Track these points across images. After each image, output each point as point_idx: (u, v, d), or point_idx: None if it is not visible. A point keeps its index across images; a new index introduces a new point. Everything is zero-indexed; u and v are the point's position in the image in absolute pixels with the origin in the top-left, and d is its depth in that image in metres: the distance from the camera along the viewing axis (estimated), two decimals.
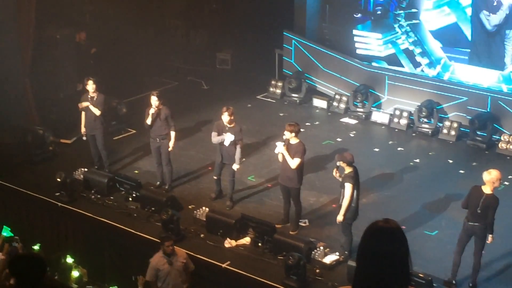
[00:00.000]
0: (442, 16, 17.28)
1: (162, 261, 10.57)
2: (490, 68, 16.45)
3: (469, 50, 16.81)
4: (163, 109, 13.36)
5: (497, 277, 11.10)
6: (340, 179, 11.20)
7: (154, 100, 13.23)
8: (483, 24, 16.33)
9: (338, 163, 11.23)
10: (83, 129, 14.24)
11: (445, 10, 17.25)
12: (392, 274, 3.08)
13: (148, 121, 13.30)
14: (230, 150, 12.83)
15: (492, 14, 16.14)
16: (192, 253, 11.61)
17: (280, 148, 11.92)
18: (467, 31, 16.72)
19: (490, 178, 10.38)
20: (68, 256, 12.49)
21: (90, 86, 13.89)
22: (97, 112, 13.89)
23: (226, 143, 12.71)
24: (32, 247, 12.31)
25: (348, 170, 11.14)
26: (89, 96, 13.95)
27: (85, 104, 13.91)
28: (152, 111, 13.23)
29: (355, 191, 11.10)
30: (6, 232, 11.31)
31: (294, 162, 11.89)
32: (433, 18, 17.29)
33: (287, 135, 11.94)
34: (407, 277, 3.18)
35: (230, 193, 13.20)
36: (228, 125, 12.80)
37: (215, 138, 12.87)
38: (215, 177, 13.33)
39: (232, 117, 12.79)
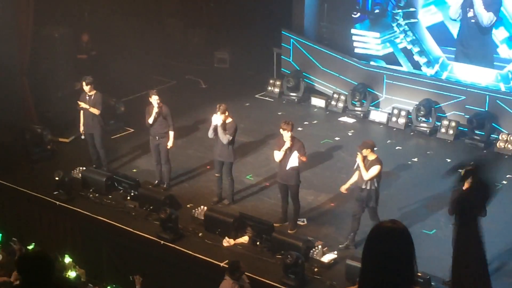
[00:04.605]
0: (429, 15, 17.36)
1: (235, 287, 9.90)
2: (478, 65, 16.51)
3: (455, 49, 16.94)
4: (163, 107, 13.37)
5: (495, 274, 11.08)
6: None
7: (155, 99, 13.25)
8: (473, 22, 16.37)
9: (361, 153, 11.28)
10: (81, 128, 14.22)
11: (431, 9, 17.35)
12: (398, 274, 3.08)
13: (150, 120, 13.30)
14: (223, 147, 12.80)
15: (482, 12, 16.14)
16: (190, 252, 11.64)
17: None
18: (453, 29, 16.83)
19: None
20: (66, 255, 12.47)
21: (84, 86, 13.88)
22: (96, 111, 13.87)
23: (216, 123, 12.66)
24: (27, 246, 12.29)
25: (372, 156, 11.32)
26: (86, 96, 13.93)
27: (83, 105, 13.87)
28: (156, 110, 13.23)
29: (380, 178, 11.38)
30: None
31: (304, 160, 12.15)
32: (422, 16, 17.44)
33: (287, 135, 11.93)
34: (412, 277, 3.19)
35: (230, 194, 13.20)
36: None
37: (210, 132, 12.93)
38: (216, 175, 13.25)
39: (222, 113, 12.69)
